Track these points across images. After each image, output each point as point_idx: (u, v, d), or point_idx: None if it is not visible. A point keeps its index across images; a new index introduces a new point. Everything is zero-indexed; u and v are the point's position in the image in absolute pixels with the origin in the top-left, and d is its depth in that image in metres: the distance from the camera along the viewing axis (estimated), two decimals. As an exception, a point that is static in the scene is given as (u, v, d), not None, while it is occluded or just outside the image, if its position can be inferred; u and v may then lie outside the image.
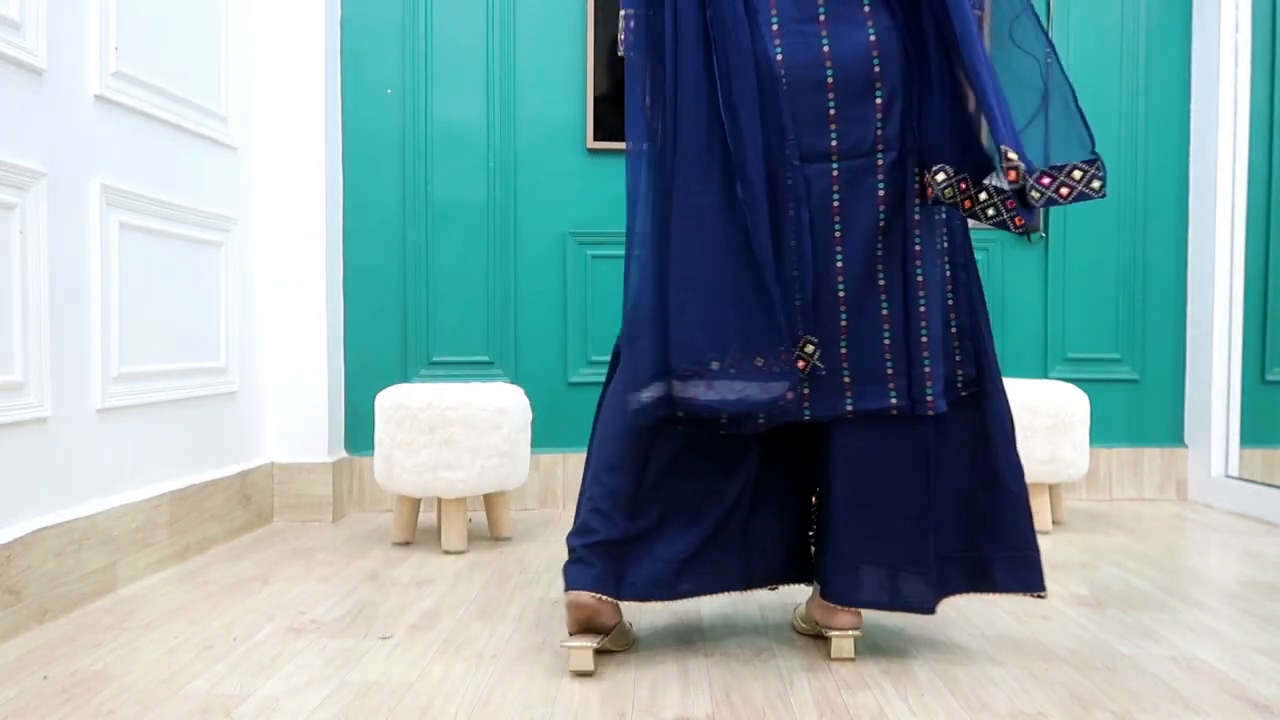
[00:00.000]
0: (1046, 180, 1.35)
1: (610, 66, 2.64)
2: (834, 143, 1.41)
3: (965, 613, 1.67)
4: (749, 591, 1.64)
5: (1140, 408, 2.85)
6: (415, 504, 2.25)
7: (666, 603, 1.70)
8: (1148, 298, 2.85)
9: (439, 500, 2.19)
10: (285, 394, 2.50)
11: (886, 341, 1.42)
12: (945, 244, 1.51)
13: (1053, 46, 1.46)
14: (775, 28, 1.41)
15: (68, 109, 1.73)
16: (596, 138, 2.66)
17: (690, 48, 1.38)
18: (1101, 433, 2.79)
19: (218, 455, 2.26)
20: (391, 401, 2.17)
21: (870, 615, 1.64)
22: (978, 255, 2.78)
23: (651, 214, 1.40)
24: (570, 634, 1.39)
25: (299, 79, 2.49)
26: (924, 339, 1.42)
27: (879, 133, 1.41)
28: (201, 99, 2.17)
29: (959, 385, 1.47)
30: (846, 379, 1.42)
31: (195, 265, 2.16)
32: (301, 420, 2.50)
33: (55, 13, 1.69)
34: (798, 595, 1.79)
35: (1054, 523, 2.45)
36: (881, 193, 1.42)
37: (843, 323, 1.42)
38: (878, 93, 1.41)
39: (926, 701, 1.27)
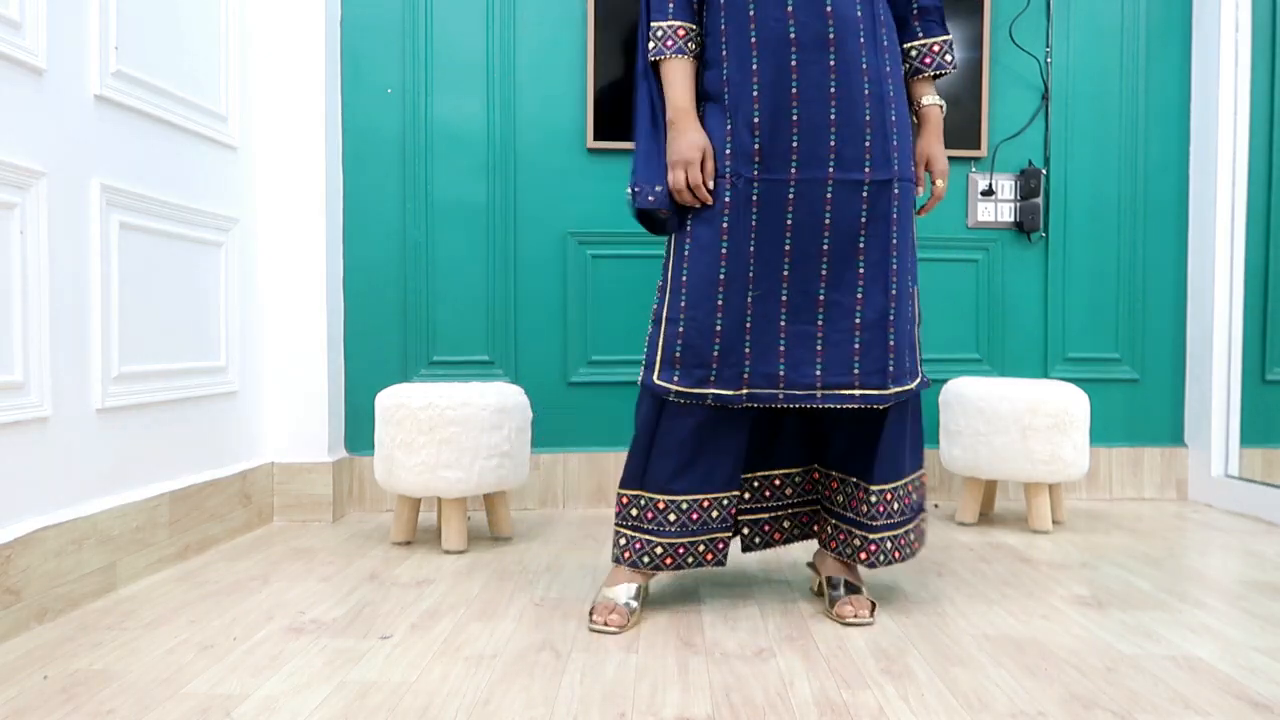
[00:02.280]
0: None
1: (609, 66, 2.64)
2: None
3: (966, 612, 1.67)
4: (751, 588, 1.68)
5: (1140, 407, 2.85)
6: (415, 504, 2.25)
7: (668, 603, 1.73)
8: (1148, 298, 2.85)
9: (439, 500, 2.19)
10: (285, 394, 2.50)
11: None
12: None
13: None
14: None
15: (68, 109, 1.73)
16: (597, 137, 2.66)
17: None
18: (1101, 432, 2.79)
19: (218, 455, 2.26)
20: (391, 401, 2.16)
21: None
22: (978, 255, 2.80)
23: None
24: None
25: (299, 79, 2.49)
26: None
27: None
28: (201, 99, 2.17)
29: None
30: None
31: (195, 265, 2.16)
32: (301, 420, 2.50)
33: (55, 13, 1.69)
34: (799, 598, 1.79)
35: (1054, 522, 2.45)
36: None
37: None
38: None
39: (926, 701, 1.27)
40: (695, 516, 1.63)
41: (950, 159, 2.75)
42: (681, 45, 1.64)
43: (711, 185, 1.60)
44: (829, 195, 1.58)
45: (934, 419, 2.71)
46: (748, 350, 1.59)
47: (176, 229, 2.07)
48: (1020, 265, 2.82)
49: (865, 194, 1.58)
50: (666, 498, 1.62)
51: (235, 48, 2.32)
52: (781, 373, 1.59)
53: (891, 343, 1.59)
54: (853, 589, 1.67)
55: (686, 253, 1.61)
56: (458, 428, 2.12)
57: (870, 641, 1.52)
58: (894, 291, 1.60)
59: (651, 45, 1.65)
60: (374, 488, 2.62)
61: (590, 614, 1.60)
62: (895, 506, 1.66)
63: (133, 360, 1.91)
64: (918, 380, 1.66)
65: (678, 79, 1.63)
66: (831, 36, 1.57)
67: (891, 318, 1.59)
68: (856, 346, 1.59)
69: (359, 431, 2.64)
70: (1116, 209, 2.83)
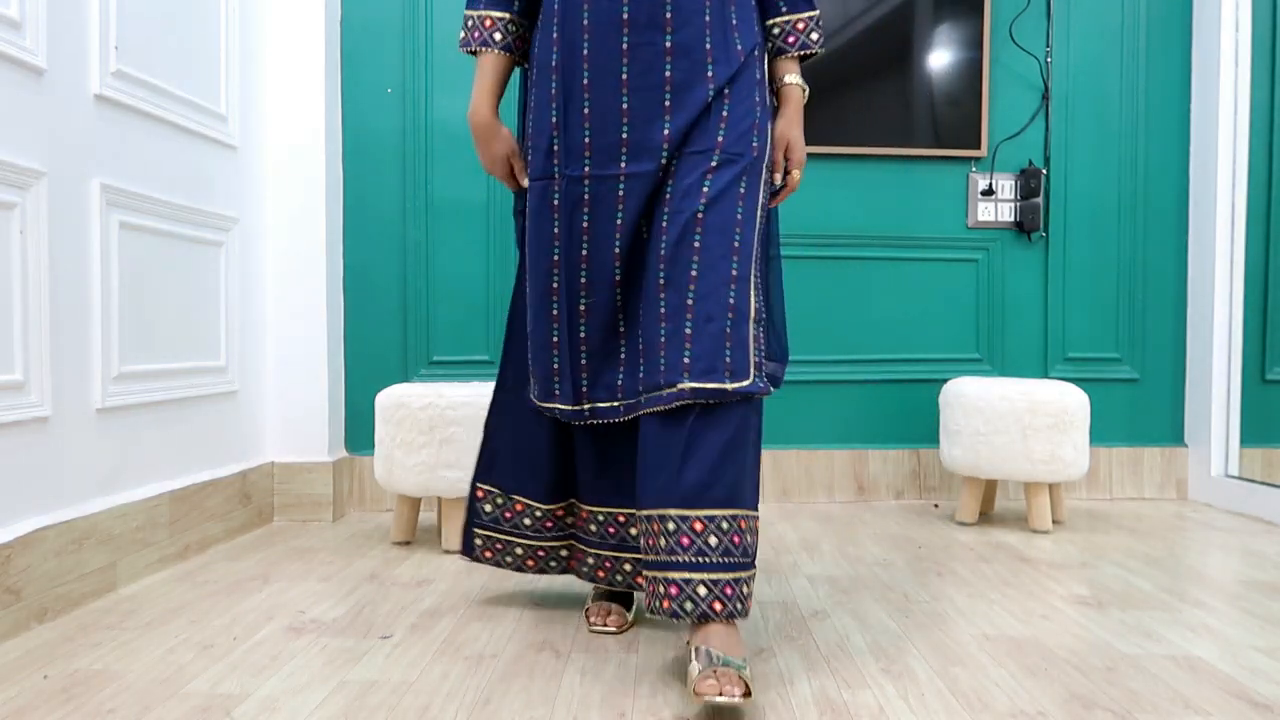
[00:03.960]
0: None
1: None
2: None
3: (966, 612, 1.67)
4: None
5: (1140, 407, 2.85)
6: (415, 503, 2.25)
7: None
8: (1148, 298, 2.85)
9: (439, 500, 2.19)
10: (285, 394, 2.50)
11: None
12: None
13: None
14: None
15: (68, 109, 1.73)
16: (596, 137, 2.66)
17: None
18: (1101, 432, 2.79)
19: (218, 455, 2.26)
20: (391, 401, 2.16)
21: (876, 614, 1.65)
22: (978, 255, 2.80)
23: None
24: None
25: (299, 79, 2.49)
26: None
27: None
28: (201, 99, 2.17)
29: None
30: None
31: (195, 265, 2.16)
32: (301, 420, 2.50)
33: (55, 13, 1.69)
34: (799, 598, 1.79)
35: (1054, 522, 2.45)
36: None
37: None
38: None
39: (926, 701, 1.27)
40: (508, 516, 1.68)
41: (950, 159, 2.77)
42: (487, 37, 1.52)
43: (525, 183, 1.55)
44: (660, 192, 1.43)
45: (934, 418, 2.71)
46: (555, 365, 1.49)
47: (177, 229, 2.07)
48: (1020, 265, 2.82)
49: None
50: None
51: (235, 48, 2.32)
52: (584, 389, 1.48)
53: (623, 356, 1.46)
54: (717, 659, 1.24)
55: (528, 258, 1.53)
56: (458, 427, 2.12)
57: (870, 641, 1.52)
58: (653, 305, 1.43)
59: (461, 35, 1.55)
60: (374, 487, 2.62)
61: (586, 615, 1.60)
62: (663, 543, 1.33)
63: (133, 360, 1.91)
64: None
65: (482, 75, 1.53)
66: (669, 16, 1.39)
67: (641, 332, 1.43)
68: (623, 356, 1.47)
69: (359, 431, 2.64)
70: (1116, 209, 2.83)
